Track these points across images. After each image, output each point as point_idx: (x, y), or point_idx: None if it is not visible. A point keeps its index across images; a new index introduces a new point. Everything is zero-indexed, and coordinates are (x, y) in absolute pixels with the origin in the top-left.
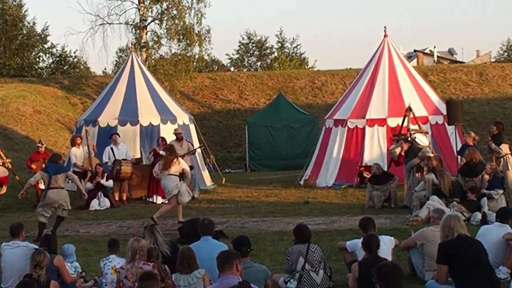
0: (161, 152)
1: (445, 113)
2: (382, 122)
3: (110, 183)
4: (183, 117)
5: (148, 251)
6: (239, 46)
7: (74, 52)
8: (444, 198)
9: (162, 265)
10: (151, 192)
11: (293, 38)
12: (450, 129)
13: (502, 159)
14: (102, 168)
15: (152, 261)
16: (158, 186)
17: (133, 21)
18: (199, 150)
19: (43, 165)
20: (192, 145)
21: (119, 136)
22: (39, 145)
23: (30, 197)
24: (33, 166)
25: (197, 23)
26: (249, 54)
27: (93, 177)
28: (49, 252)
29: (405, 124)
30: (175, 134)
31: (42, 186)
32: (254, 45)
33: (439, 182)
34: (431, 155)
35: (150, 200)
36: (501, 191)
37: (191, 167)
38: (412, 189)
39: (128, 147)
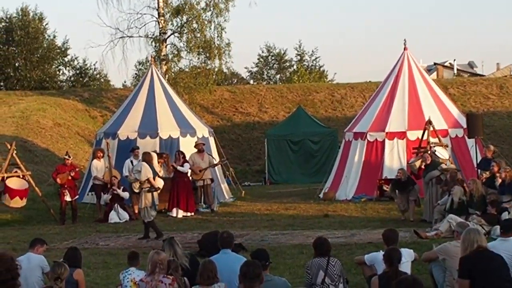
0: (179, 168)
1: (465, 126)
2: (401, 135)
3: (126, 194)
4: (202, 130)
5: (167, 264)
6: (258, 59)
7: (94, 65)
8: (465, 215)
9: (182, 278)
10: (171, 206)
11: (312, 51)
12: (470, 142)
13: None
14: (118, 179)
15: (171, 274)
16: (180, 199)
17: (153, 34)
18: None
19: (69, 178)
20: (214, 158)
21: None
22: (66, 157)
23: (53, 211)
24: (58, 180)
25: (217, 36)
26: (268, 67)
27: (109, 188)
28: (70, 266)
29: (425, 137)
30: (196, 146)
31: (67, 198)
32: (273, 58)
33: (472, 187)
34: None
35: (169, 214)
36: None
37: (212, 180)
38: (432, 202)
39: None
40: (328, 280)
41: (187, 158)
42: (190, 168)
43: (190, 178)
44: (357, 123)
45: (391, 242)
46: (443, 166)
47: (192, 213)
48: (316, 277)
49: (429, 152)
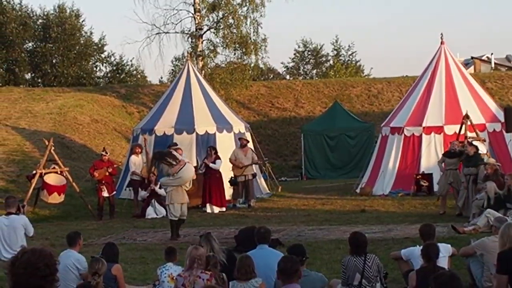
0: (211, 165)
1: (502, 120)
2: (439, 129)
3: (163, 191)
4: (239, 126)
5: (206, 259)
6: (294, 54)
7: (131, 61)
8: (503, 209)
9: (220, 273)
10: (204, 202)
11: (349, 46)
12: (508, 136)
13: None
14: (155, 176)
15: (210, 270)
16: (212, 195)
17: (189, 30)
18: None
19: (106, 173)
20: (256, 155)
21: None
22: (103, 153)
23: (91, 207)
24: (96, 174)
25: (253, 32)
26: (304, 62)
27: (147, 185)
28: (108, 261)
29: (462, 131)
30: (240, 139)
31: (105, 194)
32: (309, 53)
33: (510, 182)
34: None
35: (204, 209)
36: None
37: (254, 175)
38: (470, 196)
39: (184, 155)
40: (365, 282)
41: (230, 153)
42: (231, 163)
43: (232, 173)
44: (394, 118)
45: (427, 237)
46: (486, 160)
47: (224, 208)
48: (352, 279)
49: (465, 146)
